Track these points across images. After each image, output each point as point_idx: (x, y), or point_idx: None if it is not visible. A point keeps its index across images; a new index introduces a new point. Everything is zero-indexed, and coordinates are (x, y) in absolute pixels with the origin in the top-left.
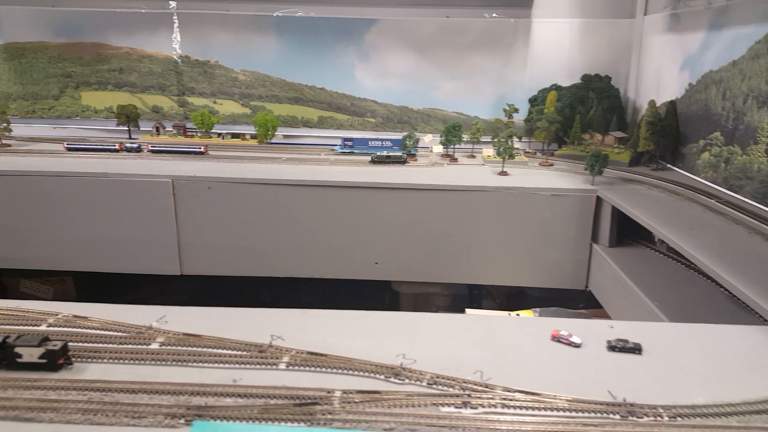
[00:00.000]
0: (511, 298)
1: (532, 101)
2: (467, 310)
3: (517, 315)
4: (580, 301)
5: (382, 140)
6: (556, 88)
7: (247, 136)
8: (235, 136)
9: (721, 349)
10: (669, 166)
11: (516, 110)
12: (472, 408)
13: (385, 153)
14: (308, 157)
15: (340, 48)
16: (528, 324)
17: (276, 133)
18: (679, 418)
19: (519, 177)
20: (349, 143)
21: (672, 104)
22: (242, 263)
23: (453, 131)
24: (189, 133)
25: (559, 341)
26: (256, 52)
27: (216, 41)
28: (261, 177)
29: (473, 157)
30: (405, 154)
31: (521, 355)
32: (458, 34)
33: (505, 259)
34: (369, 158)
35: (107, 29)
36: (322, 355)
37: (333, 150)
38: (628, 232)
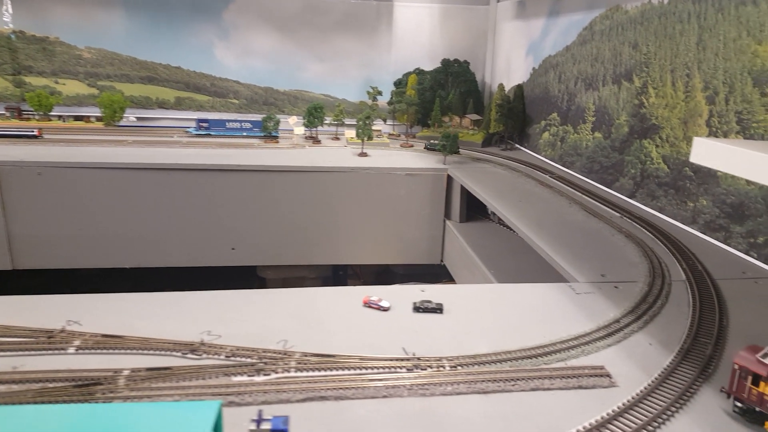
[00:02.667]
0: (378, 277)
1: (397, 84)
2: None
3: None
4: (443, 276)
5: (240, 122)
6: (418, 72)
7: (93, 119)
8: (78, 118)
9: (516, 305)
10: (517, 146)
11: (379, 93)
12: (264, 375)
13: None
14: (158, 139)
15: (197, 25)
16: (344, 294)
17: (128, 116)
18: (459, 368)
19: (377, 157)
20: (205, 125)
21: (519, 88)
22: (82, 255)
23: (315, 113)
24: (25, 116)
25: (369, 307)
26: (102, 28)
27: (55, 15)
28: (99, 161)
29: (337, 139)
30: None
31: (331, 322)
32: (322, 15)
33: (366, 238)
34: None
35: None
36: (118, 336)
37: (187, 132)
38: (479, 209)
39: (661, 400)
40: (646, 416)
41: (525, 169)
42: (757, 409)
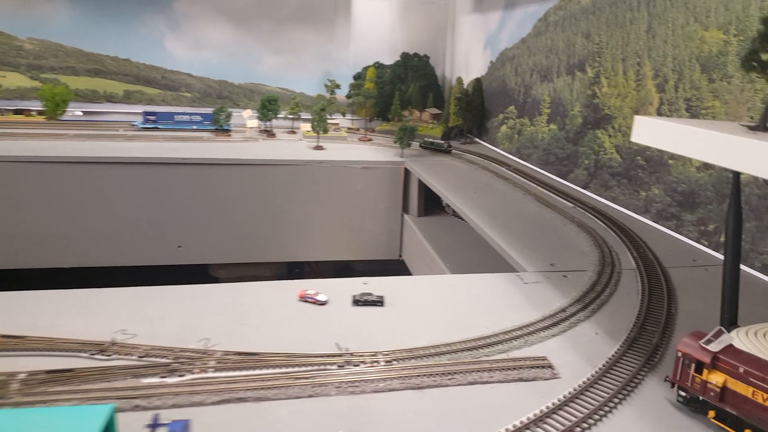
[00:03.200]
0: (337, 274)
1: (357, 78)
2: None
3: None
4: (403, 272)
5: (190, 114)
6: (378, 66)
7: (34, 113)
8: (18, 111)
9: (462, 295)
10: (476, 140)
11: (338, 86)
12: (179, 376)
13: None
14: (101, 133)
15: (146, 15)
16: (278, 288)
17: (73, 110)
18: (395, 362)
19: (333, 151)
20: (152, 117)
21: (477, 81)
22: (17, 255)
23: (269, 105)
24: None
25: (305, 301)
26: (44, 17)
27: None
28: (35, 154)
29: (294, 133)
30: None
31: (261, 318)
32: (278, 6)
33: (323, 234)
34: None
35: None
36: (17, 337)
37: (133, 125)
38: (437, 202)
39: (603, 392)
40: (587, 408)
41: (483, 162)
42: (701, 398)
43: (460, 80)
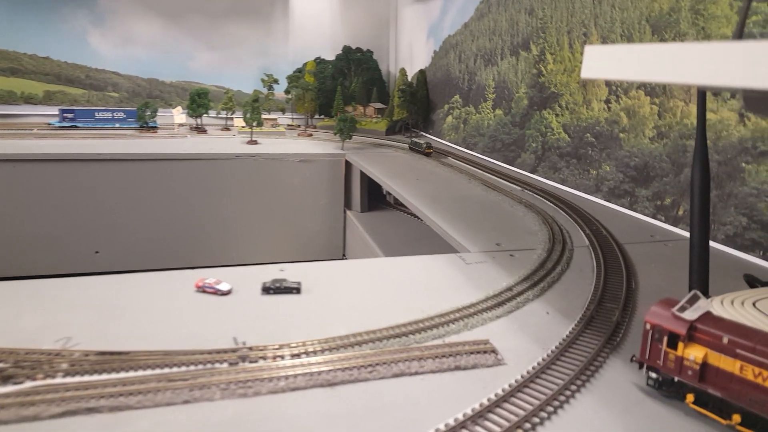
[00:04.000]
0: None
1: (299, 78)
2: None
3: None
4: None
5: (112, 111)
6: (320, 61)
7: None
8: None
9: (394, 279)
10: (422, 133)
11: (275, 81)
12: (14, 383)
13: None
14: (11, 132)
15: (67, 10)
16: (173, 278)
17: None
18: (303, 356)
19: (269, 146)
20: (70, 115)
21: (422, 73)
22: None
23: (198, 99)
24: None
25: (204, 291)
26: None
27: None
28: None
29: (228, 130)
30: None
31: (145, 312)
32: (211, 0)
33: (258, 235)
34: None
35: None
36: None
37: (49, 125)
38: (382, 197)
39: (558, 378)
40: (537, 399)
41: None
42: (676, 379)
43: (403, 71)
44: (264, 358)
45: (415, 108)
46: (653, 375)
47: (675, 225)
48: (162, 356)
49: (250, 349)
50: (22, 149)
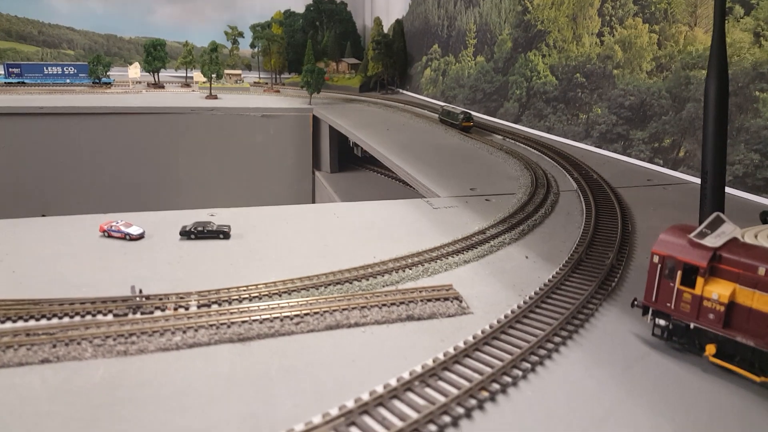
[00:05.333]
0: None
1: (264, 28)
2: None
3: None
4: None
5: (62, 66)
6: (289, 14)
7: None
8: None
9: (348, 224)
10: (399, 90)
11: (240, 34)
12: None
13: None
14: None
15: None
16: (77, 222)
17: None
18: (215, 305)
19: (229, 100)
20: (16, 70)
21: (398, 23)
22: None
23: (154, 52)
24: None
25: (110, 235)
26: None
27: None
28: None
29: (188, 86)
30: (100, 81)
31: (31, 257)
32: None
33: (216, 196)
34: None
35: None
36: None
37: None
38: (355, 158)
39: (537, 329)
40: (510, 353)
41: (403, 107)
42: (692, 325)
43: (378, 21)
44: (161, 308)
45: (391, 61)
46: (662, 322)
47: (674, 168)
48: (26, 305)
49: (147, 298)
50: None
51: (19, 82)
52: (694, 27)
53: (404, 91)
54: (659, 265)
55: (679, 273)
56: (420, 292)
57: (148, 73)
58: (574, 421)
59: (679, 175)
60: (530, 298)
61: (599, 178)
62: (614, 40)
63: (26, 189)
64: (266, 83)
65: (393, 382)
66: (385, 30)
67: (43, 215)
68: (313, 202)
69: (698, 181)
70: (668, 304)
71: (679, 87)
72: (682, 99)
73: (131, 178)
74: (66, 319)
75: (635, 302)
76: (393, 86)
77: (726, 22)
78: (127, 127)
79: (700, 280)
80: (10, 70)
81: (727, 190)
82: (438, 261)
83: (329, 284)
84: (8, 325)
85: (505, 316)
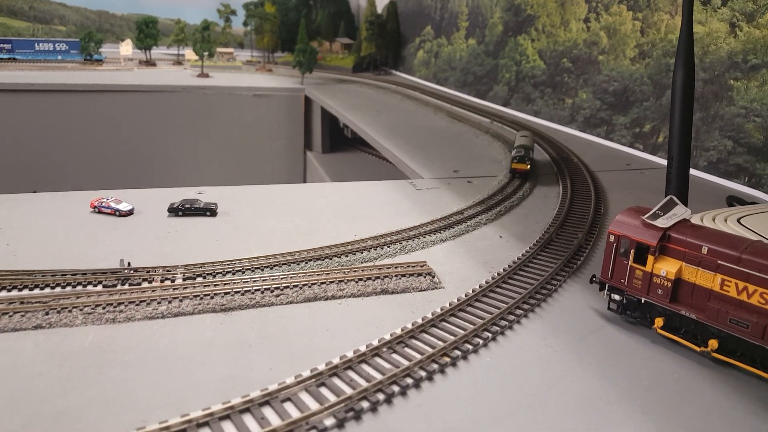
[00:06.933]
0: None
1: (258, 6)
2: None
3: None
4: None
5: (54, 42)
6: None
7: None
8: None
9: (332, 204)
10: (392, 71)
11: (233, 12)
12: None
13: None
14: None
15: None
16: (69, 198)
17: None
18: (200, 278)
19: (221, 79)
20: (7, 46)
21: (392, 4)
22: None
23: (146, 29)
24: None
25: (100, 211)
26: None
27: None
28: None
29: (180, 64)
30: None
31: (23, 231)
32: None
33: (205, 175)
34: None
35: None
36: None
37: None
38: (347, 139)
39: (500, 302)
40: (473, 323)
41: (395, 88)
42: (643, 299)
43: (372, 1)
44: (149, 280)
45: (385, 42)
46: (616, 297)
47: (653, 153)
48: (23, 276)
49: (135, 270)
50: None
51: (9, 58)
52: (675, 15)
53: (397, 72)
54: (615, 244)
55: (632, 251)
56: (395, 268)
57: (140, 51)
58: (525, 383)
59: (657, 159)
60: (498, 274)
61: (579, 162)
62: (600, 26)
63: (17, 165)
64: (259, 62)
65: (362, 348)
66: (379, 10)
67: (35, 191)
68: (305, 182)
69: None
70: (622, 281)
71: (660, 73)
72: (663, 86)
73: (122, 156)
74: (58, 289)
75: (593, 278)
76: (386, 67)
77: (704, 11)
78: (119, 105)
79: (650, 258)
80: (1, 45)
81: (700, 174)
82: (415, 240)
83: (309, 260)
84: (3, 294)
85: (473, 290)
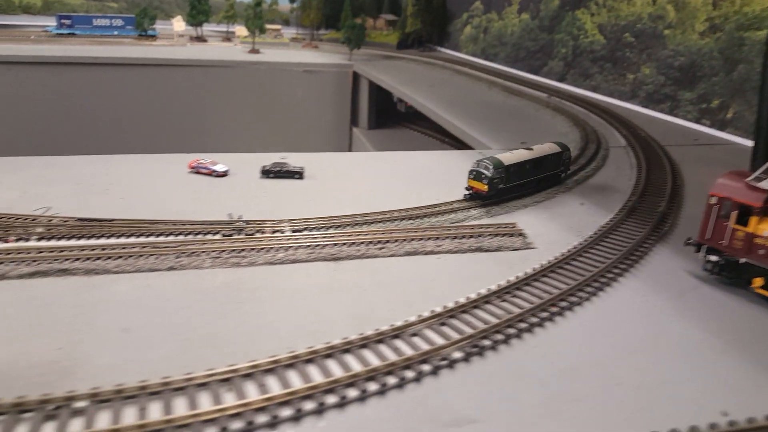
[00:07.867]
0: None
1: None
2: None
3: None
4: None
5: (110, 18)
6: None
7: None
8: None
9: (410, 170)
10: (437, 47)
11: None
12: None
13: None
14: (7, 37)
15: None
16: (167, 159)
17: None
18: (306, 231)
19: (271, 55)
20: (67, 22)
21: None
22: None
23: (198, 5)
24: None
25: (198, 172)
26: None
27: None
28: None
29: (229, 40)
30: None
31: (130, 187)
32: None
33: (260, 144)
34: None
35: None
36: None
37: (46, 31)
38: (392, 114)
39: (596, 262)
40: (575, 280)
41: (443, 64)
42: (742, 260)
43: None
44: (261, 231)
45: (430, 18)
46: (713, 258)
47: (722, 129)
48: (148, 225)
49: (247, 222)
50: (16, 52)
51: (69, 33)
52: None
53: (442, 49)
54: (716, 206)
55: (735, 213)
56: (488, 228)
57: (191, 27)
58: (632, 332)
59: (726, 136)
60: (589, 237)
61: (647, 135)
62: (667, 0)
63: (75, 133)
64: (304, 39)
65: (473, 296)
66: None
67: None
68: None
69: (746, 142)
70: (721, 242)
71: (731, 48)
72: (734, 60)
73: (176, 130)
74: (182, 237)
75: (689, 240)
76: (431, 44)
77: None
78: (173, 79)
79: (753, 219)
80: (62, 21)
81: None
82: (499, 205)
83: (402, 218)
84: (132, 239)
85: (567, 251)
